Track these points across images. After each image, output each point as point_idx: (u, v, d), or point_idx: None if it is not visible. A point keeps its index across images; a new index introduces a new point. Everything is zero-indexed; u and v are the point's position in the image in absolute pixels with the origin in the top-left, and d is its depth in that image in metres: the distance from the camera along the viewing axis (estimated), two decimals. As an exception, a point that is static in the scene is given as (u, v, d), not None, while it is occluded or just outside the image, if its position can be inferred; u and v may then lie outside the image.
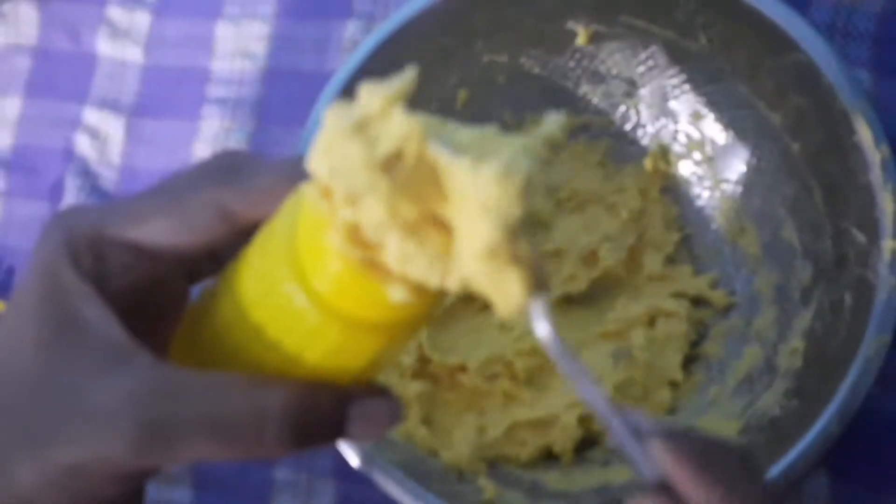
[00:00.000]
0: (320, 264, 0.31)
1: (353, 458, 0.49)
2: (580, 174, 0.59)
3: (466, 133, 0.30)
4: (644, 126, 0.58)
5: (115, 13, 0.64)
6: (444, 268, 0.30)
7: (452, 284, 0.30)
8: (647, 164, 0.58)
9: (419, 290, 0.31)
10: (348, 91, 0.54)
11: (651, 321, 0.55)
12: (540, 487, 0.52)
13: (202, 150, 0.62)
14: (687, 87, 0.56)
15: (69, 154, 0.63)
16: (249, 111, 0.62)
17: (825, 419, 0.46)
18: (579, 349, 0.56)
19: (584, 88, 0.58)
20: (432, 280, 0.30)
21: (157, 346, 0.36)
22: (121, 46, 0.64)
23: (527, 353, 0.55)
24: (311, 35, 0.62)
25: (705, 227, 0.57)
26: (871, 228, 0.48)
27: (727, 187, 0.56)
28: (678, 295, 0.56)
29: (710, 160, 0.57)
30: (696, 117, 0.57)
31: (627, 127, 0.59)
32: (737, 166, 0.56)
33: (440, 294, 0.31)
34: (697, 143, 0.57)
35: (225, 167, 0.34)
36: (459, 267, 0.30)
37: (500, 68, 0.58)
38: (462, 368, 0.55)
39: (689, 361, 0.55)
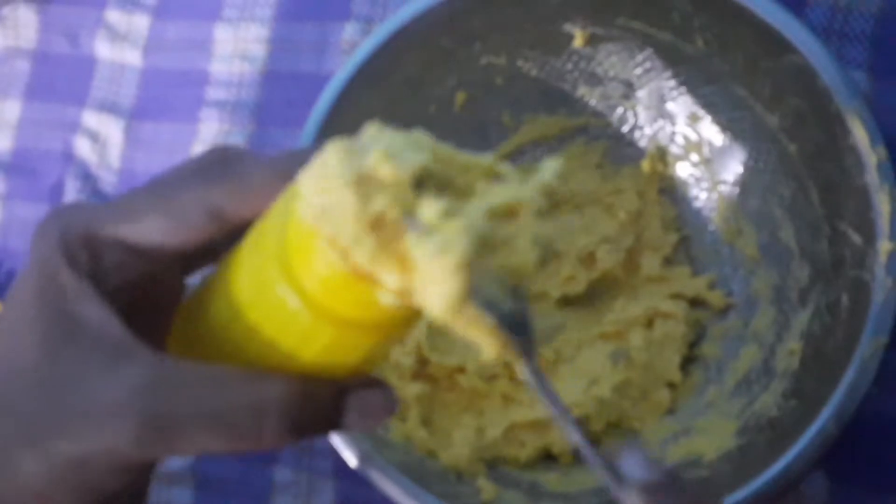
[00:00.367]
0: (310, 268, 0.31)
1: (352, 459, 0.49)
2: (578, 176, 0.59)
3: (465, 160, 0.31)
4: (642, 128, 0.58)
5: (113, 16, 0.65)
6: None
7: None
8: (645, 165, 0.58)
9: (409, 294, 0.31)
10: (347, 94, 0.54)
11: (649, 322, 0.55)
12: (539, 488, 0.53)
13: (201, 152, 0.62)
14: (684, 88, 0.56)
15: (69, 156, 0.63)
16: (248, 113, 0.62)
17: (823, 420, 0.46)
18: (578, 350, 0.56)
19: (582, 90, 0.58)
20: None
21: (155, 340, 0.36)
22: (119, 49, 0.64)
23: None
24: (309, 37, 0.62)
25: (703, 229, 0.57)
26: (868, 230, 0.48)
27: (725, 188, 0.56)
28: (676, 296, 0.56)
29: (707, 161, 0.57)
30: (693, 119, 0.57)
31: (625, 129, 0.59)
32: (734, 168, 0.56)
33: None
34: (695, 144, 0.57)
35: (216, 164, 0.35)
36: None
37: (498, 70, 0.58)
38: (461, 369, 0.55)
39: (687, 362, 0.55)
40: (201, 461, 0.57)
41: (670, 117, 0.57)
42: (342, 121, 0.54)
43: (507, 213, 0.31)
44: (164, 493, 0.57)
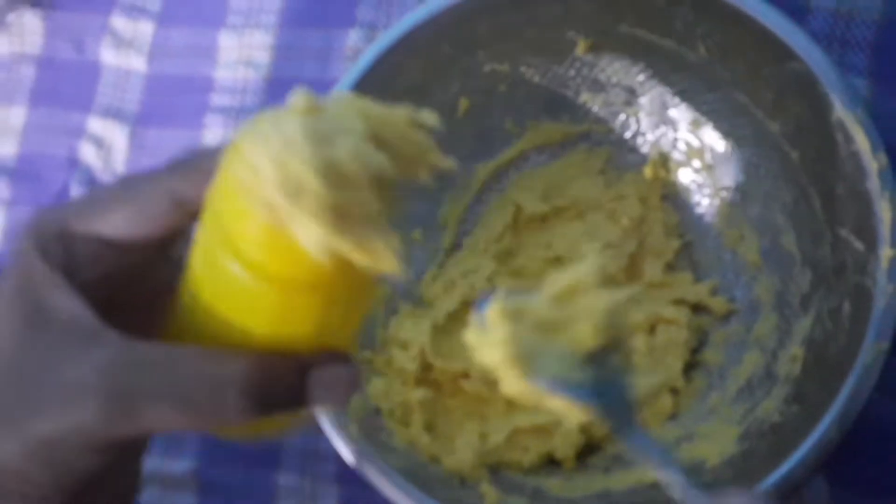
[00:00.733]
0: (237, 225, 0.32)
1: (355, 465, 0.49)
2: (581, 182, 0.59)
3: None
4: (644, 134, 0.58)
5: (118, 22, 0.65)
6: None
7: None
8: (647, 171, 0.58)
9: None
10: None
11: (651, 328, 0.56)
12: (542, 493, 0.53)
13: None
14: (686, 95, 0.56)
15: (74, 162, 0.63)
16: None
17: (824, 425, 0.46)
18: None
19: (585, 97, 0.58)
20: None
21: (144, 330, 0.37)
22: (124, 55, 0.64)
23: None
24: (313, 44, 0.62)
25: (705, 235, 0.57)
26: (869, 236, 0.48)
27: (727, 195, 0.57)
28: (678, 302, 0.56)
29: (709, 168, 0.57)
30: (695, 125, 0.57)
31: (627, 135, 0.59)
32: (736, 174, 0.56)
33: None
34: (697, 150, 0.57)
35: (181, 158, 0.36)
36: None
37: (502, 77, 0.58)
38: (465, 375, 0.55)
39: (689, 368, 0.55)
40: (204, 466, 0.57)
41: (672, 124, 0.58)
42: (346, 127, 0.54)
43: (573, 293, 0.37)
44: (167, 497, 0.57)
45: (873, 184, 0.48)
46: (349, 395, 0.36)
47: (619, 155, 0.59)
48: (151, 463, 0.57)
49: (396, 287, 0.57)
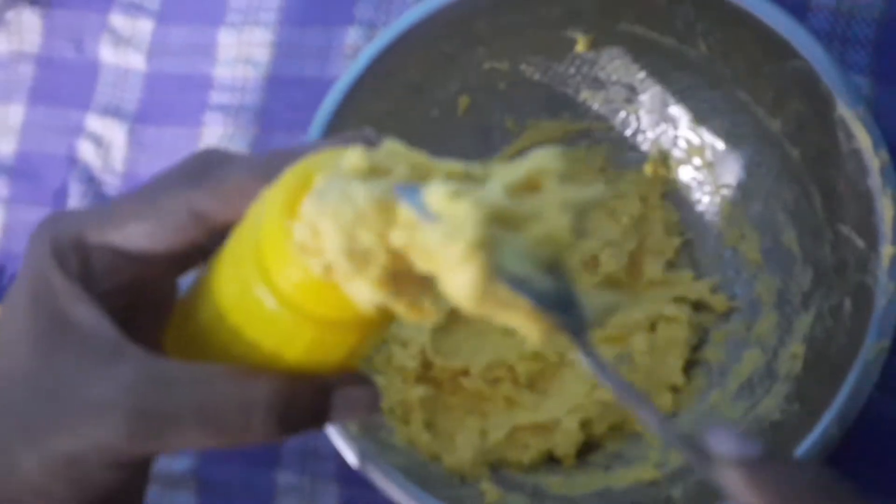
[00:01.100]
0: (284, 270, 0.32)
1: (355, 463, 0.49)
2: (580, 180, 0.59)
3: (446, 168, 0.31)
4: (644, 132, 0.58)
5: (117, 20, 0.65)
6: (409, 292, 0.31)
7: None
8: (648, 169, 0.58)
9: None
10: (350, 98, 0.54)
11: (652, 326, 0.56)
12: (542, 491, 0.53)
13: (186, 156, 0.62)
14: (687, 93, 0.56)
15: (72, 160, 0.63)
16: (252, 117, 0.62)
17: (825, 423, 0.46)
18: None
19: (585, 94, 0.59)
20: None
21: (151, 339, 0.37)
22: (123, 53, 0.64)
23: (529, 358, 0.55)
24: (313, 42, 0.62)
25: (706, 233, 0.57)
26: (870, 234, 0.48)
27: (727, 193, 0.57)
28: (679, 300, 0.56)
29: (710, 165, 0.57)
30: (696, 123, 0.57)
31: (628, 132, 0.59)
32: (737, 172, 0.56)
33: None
34: (697, 148, 0.57)
35: (198, 167, 0.35)
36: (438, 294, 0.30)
37: (501, 75, 0.58)
38: (465, 372, 0.55)
39: (689, 366, 0.55)
40: (204, 465, 0.57)
41: (673, 121, 0.58)
42: (346, 125, 0.54)
43: (529, 187, 0.30)
44: (167, 496, 0.57)
45: (874, 181, 0.48)
46: (370, 414, 0.36)
47: (619, 153, 0.59)
48: (151, 462, 0.57)
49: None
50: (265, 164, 0.34)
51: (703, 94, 0.56)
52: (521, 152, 0.59)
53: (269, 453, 0.57)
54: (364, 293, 0.31)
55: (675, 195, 0.58)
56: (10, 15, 0.66)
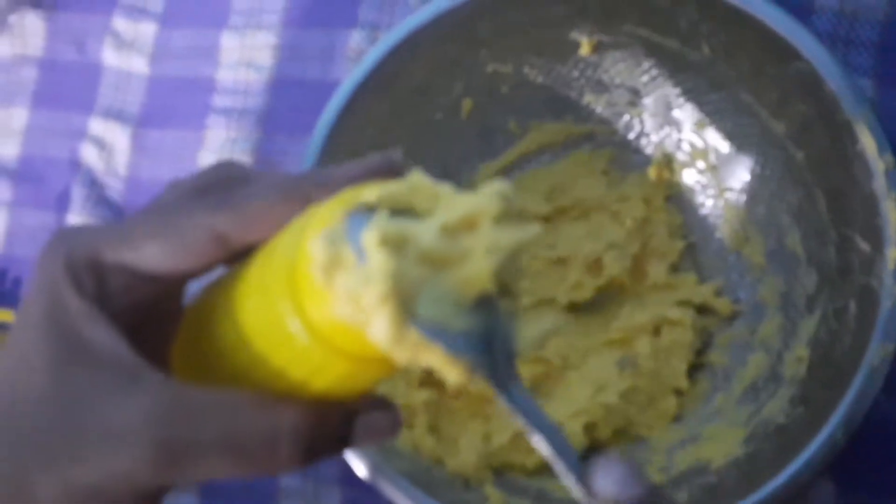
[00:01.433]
0: (321, 309, 0.31)
1: (359, 467, 0.49)
2: (584, 182, 0.59)
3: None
4: (648, 135, 0.59)
5: (120, 24, 0.65)
6: None
7: None
8: (651, 172, 0.58)
9: None
10: (354, 101, 0.54)
11: (656, 330, 0.56)
12: (546, 495, 0.53)
13: (207, 159, 0.62)
14: (690, 95, 0.57)
15: (75, 164, 0.63)
16: (255, 121, 0.62)
17: (831, 427, 0.46)
18: (585, 357, 0.56)
19: (588, 97, 0.59)
20: None
21: (159, 354, 0.36)
22: (126, 57, 0.64)
23: (532, 361, 0.55)
24: (316, 45, 0.63)
25: (710, 236, 0.57)
26: (875, 237, 0.49)
27: (731, 196, 0.57)
28: (683, 303, 0.56)
29: (713, 168, 0.57)
30: (699, 126, 0.57)
31: (631, 136, 0.59)
32: (741, 175, 0.56)
33: None
34: (701, 151, 0.57)
35: (219, 185, 0.35)
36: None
37: (505, 77, 0.58)
38: (468, 376, 0.55)
39: (694, 370, 0.55)
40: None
41: (676, 124, 0.58)
42: (349, 128, 0.54)
43: (465, 226, 0.31)
44: (170, 499, 0.57)
45: (879, 184, 0.48)
46: (391, 438, 0.35)
47: (622, 156, 0.59)
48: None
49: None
50: (291, 187, 0.34)
51: (707, 96, 0.56)
52: (524, 155, 0.59)
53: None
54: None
55: (678, 198, 0.58)
56: (13, 18, 0.66)
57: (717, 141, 0.57)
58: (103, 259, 0.34)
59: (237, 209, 0.34)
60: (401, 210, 0.31)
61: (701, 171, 0.58)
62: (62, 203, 0.63)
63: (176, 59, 0.64)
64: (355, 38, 0.62)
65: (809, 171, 0.53)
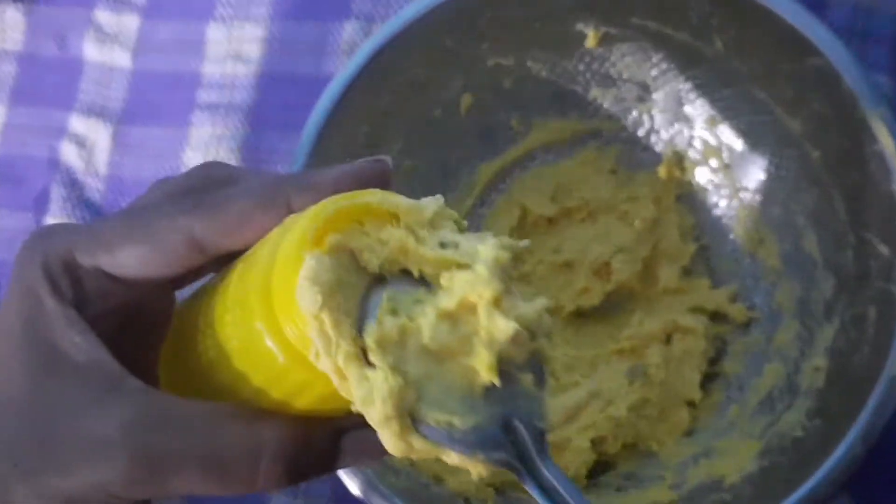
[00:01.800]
0: (296, 328, 0.31)
1: (353, 485, 0.49)
2: (591, 182, 0.59)
3: None
4: (658, 132, 0.59)
5: (102, 16, 0.65)
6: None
7: None
8: (662, 171, 0.59)
9: None
10: (347, 97, 0.54)
11: (667, 337, 0.56)
12: (550, 514, 0.53)
13: (192, 158, 0.62)
14: (702, 91, 0.57)
15: (55, 163, 0.64)
16: (242, 117, 0.63)
17: (849, 441, 0.47)
18: (593, 367, 0.56)
19: (595, 92, 0.59)
20: None
21: (146, 362, 0.37)
22: (108, 51, 0.65)
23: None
24: (306, 37, 0.63)
25: (723, 238, 0.58)
26: (895, 240, 0.49)
27: (745, 196, 0.57)
28: (695, 309, 0.56)
29: (727, 167, 0.57)
30: (711, 123, 0.57)
31: (640, 132, 0.59)
32: (755, 174, 0.57)
33: None
34: (714, 149, 0.58)
35: (198, 187, 0.35)
36: None
37: (507, 72, 0.58)
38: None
39: (707, 380, 0.56)
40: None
41: (688, 121, 0.58)
42: (342, 126, 0.54)
43: (465, 310, 0.31)
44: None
45: (899, 185, 0.49)
46: (381, 458, 0.35)
47: (631, 154, 0.59)
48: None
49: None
50: (271, 192, 0.34)
51: (720, 92, 0.56)
52: (527, 153, 0.60)
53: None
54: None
55: (690, 198, 0.59)
56: (-9, 12, 0.66)
57: (730, 138, 0.57)
58: (79, 262, 0.35)
59: (213, 214, 0.34)
60: (406, 274, 0.32)
61: (714, 170, 0.58)
62: (41, 204, 0.63)
63: (160, 52, 0.64)
64: (348, 30, 0.62)
65: (826, 171, 0.53)
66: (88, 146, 0.64)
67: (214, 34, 0.64)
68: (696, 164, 0.58)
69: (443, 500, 0.52)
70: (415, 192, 0.34)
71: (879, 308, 0.50)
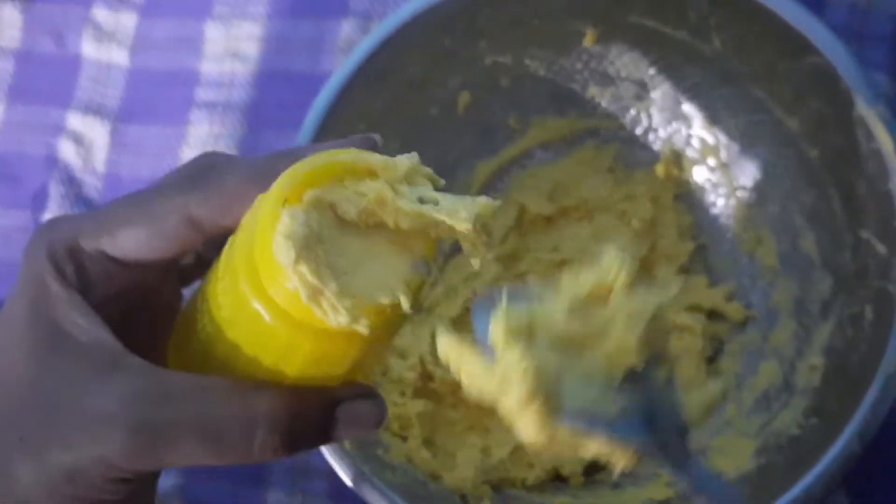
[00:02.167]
0: (275, 282, 0.32)
1: (349, 482, 0.49)
2: (588, 181, 0.59)
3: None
4: (656, 130, 0.59)
5: (100, 14, 0.65)
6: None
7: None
8: (659, 170, 0.59)
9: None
10: (344, 95, 0.55)
11: (664, 336, 0.56)
12: (547, 511, 0.53)
13: (190, 156, 0.62)
14: (700, 90, 0.57)
15: (53, 161, 0.64)
16: (240, 115, 0.63)
17: (846, 439, 0.47)
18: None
19: (593, 91, 0.59)
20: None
21: (155, 348, 0.38)
22: (106, 48, 0.65)
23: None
24: (304, 35, 0.63)
25: (720, 237, 0.58)
26: (892, 239, 0.49)
27: (743, 195, 0.57)
28: (692, 308, 0.57)
29: (725, 166, 0.58)
30: (710, 121, 0.58)
31: (638, 131, 0.60)
32: (753, 173, 0.57)
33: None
34: (712, 148, 0.58)
35: (195, 173, 0.36)
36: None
37: (504, 70, 0.59)
38: (466, 385, 0.55)
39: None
40: (190, 483, 0.58)
41: (686, 119, 0.58)
42: (339, 124, 0.55)
43: (596, 297, 0.31)
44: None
45: (896, 184, 0.49)
46: (377, 429, 0.36)
47: (629, 152, 0.60)
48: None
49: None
50: (263, 168, 0.35)
51: (718, 91, 0.57)
52: (525, 152, 0.60)
53: (257, 471, 0.57)
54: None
55: (688, 197, 0.59)
56: (-12, 10, 0.66)
57: (728, 138, 0.57)
58: (82, 246, 0.36)
59: (208, 192, 0.35)
60: (517, 290, 0.32)
61: (712, 169, 0.58)
62: (39, 202, 0.63)
63: (158, 50, 0.64)
64: (346, 28, 0.63)
65: (824, 170, 0.53)
66: (86, 144, 0.64)
67: (212, 32, 0.64)
68: (694, 162, 0.59)
69: (440, 497, 0.52)
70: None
71: (876, 307, 0.50)
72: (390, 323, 0.33)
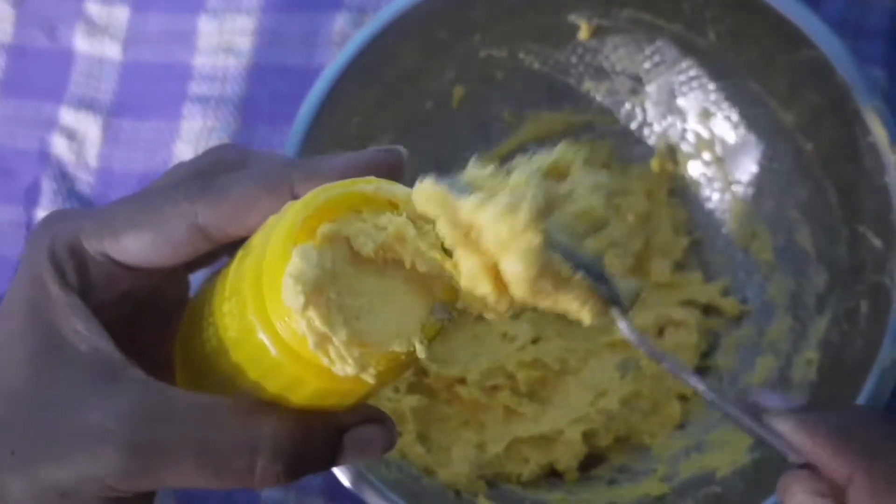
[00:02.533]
0: (285, 323, 0.32)
1: (344, 478, 0.50)
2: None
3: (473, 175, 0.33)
4: (650, 124, 0.59)
5: (93, 8, 0.65)
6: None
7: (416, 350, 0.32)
8: (654, 164, 0.59)
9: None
10: (338, 89, 0.55)
11: (659, 331, 0.56)
12: (542, 507, 0.53)
13: (183, 151, 0.63)
14: (696, 83, 0.57)
15: (45, 156, 0.64)
16: (233, 109, 0.63)
17: (841, 433, 0.47)
18: (584, 361, 0.56)
19: (587, 85, 0.59)
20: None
21: (160, 350, 0.37)
22: (99, 43, 0.65)
23: (529, 365, 0.55)
24: (298, 28, 0.63)
25: (716, 232, 0.58)
26: (888, 233, 0.49)
27: (738, 189, 0.57)
28: (688, 303, 0.57)
29: (720, 161, 0.58)
30: (705, 115, 0.58)
31: (633, 125, 0.60)
32: (748, 167, 0.57)
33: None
34: (707, 142, 0.58)
35: (208, 171, 0.35)
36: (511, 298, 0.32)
37: (499, 63, 0.59)
38: (461, 380, 0.55)
39: (699, 373, 0.55)
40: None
41: (681, 114, 0.58)
42: (333, 118, 0.55)
43: (557, 174, 0.33)
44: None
45: (892, 177, 0.49)
46: (384, 454, 0.35)
47: (624, 147, 0.60)
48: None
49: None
50: (275, 177, 0.34)
51: (713, 84, 0.57)
52: (519, 146, 0.60)
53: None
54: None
55: (683, 192, 0.59)
56: (-22, 3, 0.66)
57: (723, 131, 0.57)
58: (86, 247, 0.35)
59: (216, 201, 0.34)
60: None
61: (707, 164, 0.58)
62: (31, 197, 0.63)
63: (151, 44, 0.64)
64: (340, 21, 0.63)
65: (820, 164, 0.53)
66: (79, 139, 0.64)
67: (205, 26, 0.64)
68: (689, 157, 0.59)
69: (434, 492, 0.52)
70: (406, 185, 0.34)
71: (872, 301, 0.50)
72: (403, 366, 0.33)
